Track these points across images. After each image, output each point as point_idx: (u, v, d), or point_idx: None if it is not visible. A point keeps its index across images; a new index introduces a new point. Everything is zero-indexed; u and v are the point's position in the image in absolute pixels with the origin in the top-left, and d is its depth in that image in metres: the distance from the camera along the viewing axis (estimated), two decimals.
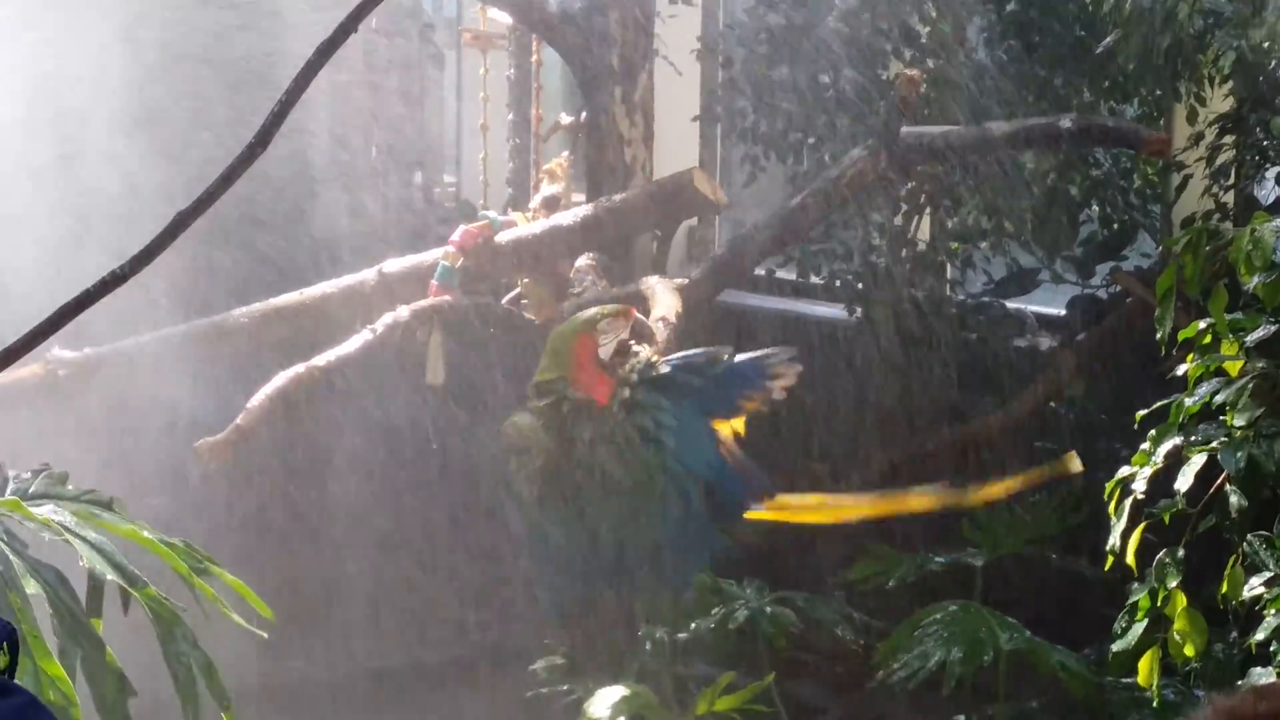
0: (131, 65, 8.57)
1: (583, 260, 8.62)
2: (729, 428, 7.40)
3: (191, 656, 3.75)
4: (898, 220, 9.46)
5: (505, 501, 7.82)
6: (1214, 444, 5.71)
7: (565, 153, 9.65)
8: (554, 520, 7.49)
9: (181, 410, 8.47)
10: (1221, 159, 8.38)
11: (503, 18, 10.47)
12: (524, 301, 8.89)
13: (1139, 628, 5.81)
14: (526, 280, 8.80)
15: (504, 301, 8.91)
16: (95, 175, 8.40)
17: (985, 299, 9.63)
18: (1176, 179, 8.84)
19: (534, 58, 10.88)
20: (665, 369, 7.32)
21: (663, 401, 7.27)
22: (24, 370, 7.97)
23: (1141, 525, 5.73)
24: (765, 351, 7.55)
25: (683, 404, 7.33)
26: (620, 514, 7.40)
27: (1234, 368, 5.90)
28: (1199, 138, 8.43)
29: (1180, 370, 6.01)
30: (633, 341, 7.49)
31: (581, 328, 7.45)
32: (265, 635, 4.03)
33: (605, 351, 7.44)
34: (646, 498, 7.35)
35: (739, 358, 7.47)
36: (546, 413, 7.37)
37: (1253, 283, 5.73)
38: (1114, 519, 5.80)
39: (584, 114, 8.81)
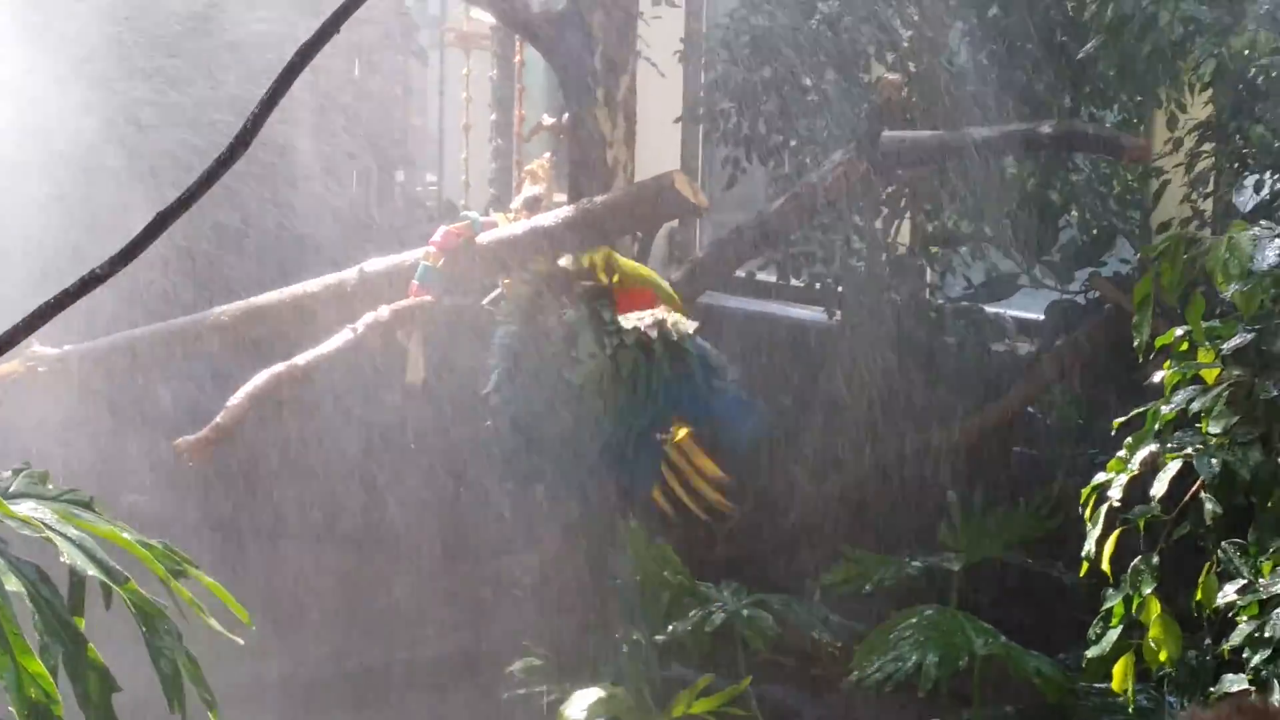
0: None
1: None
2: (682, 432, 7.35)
3: (175, 652, 3.75)
4: (878, 224, 9.49)
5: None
6: (1189, 451, 5.74)
7: (547, 153, 9.65)
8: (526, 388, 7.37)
9: (161, 408, 8.46)
10: (1201, 166, 8.40)
11: (486, 18, 10.47)
12: (504, 302, 8.89)
13: (1114, 634, 5.83)
14: (508, 280, 8.80)
15: (484, 302, 8.91)
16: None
17: (964, 303, 9.65)
18: (1156, 185, 8.87)
19: (517, 58, 10.89)
20: (693, 342, 7.25)
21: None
22: (3, 368, 7.96)
23: (1117, 532, 5.76)
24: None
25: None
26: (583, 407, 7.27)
27: (1210, 375, 5.93)
28: (1179, 144, 8.46)
29: (1157, 377, 6.03)
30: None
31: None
32: (242, 642, 4.03)
33: None
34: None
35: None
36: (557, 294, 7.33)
37: (1229, 291, 5.75)
38: (1089, 525, 5.82)
39: (566, 115, 8.80)
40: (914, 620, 7.99)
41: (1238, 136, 8.20)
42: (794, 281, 9.74)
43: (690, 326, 7.27)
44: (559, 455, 7.36)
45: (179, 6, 9.86)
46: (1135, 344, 6.02)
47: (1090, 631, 5.93)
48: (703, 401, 7.29)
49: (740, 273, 9.53)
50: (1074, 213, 9.41)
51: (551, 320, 7.36)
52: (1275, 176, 8.22)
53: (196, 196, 2.60)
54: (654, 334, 7.20)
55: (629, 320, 7.25)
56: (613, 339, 7.22)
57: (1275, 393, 5.78)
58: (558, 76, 8.60)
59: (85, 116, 8.32)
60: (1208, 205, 8.48)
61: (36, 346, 8.09)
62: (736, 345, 9.47)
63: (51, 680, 3.50)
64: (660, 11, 9.43)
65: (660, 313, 7.28)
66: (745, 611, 8.34)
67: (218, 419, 7.59)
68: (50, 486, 3.99)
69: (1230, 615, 5.59)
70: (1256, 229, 5.85)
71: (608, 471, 7.45)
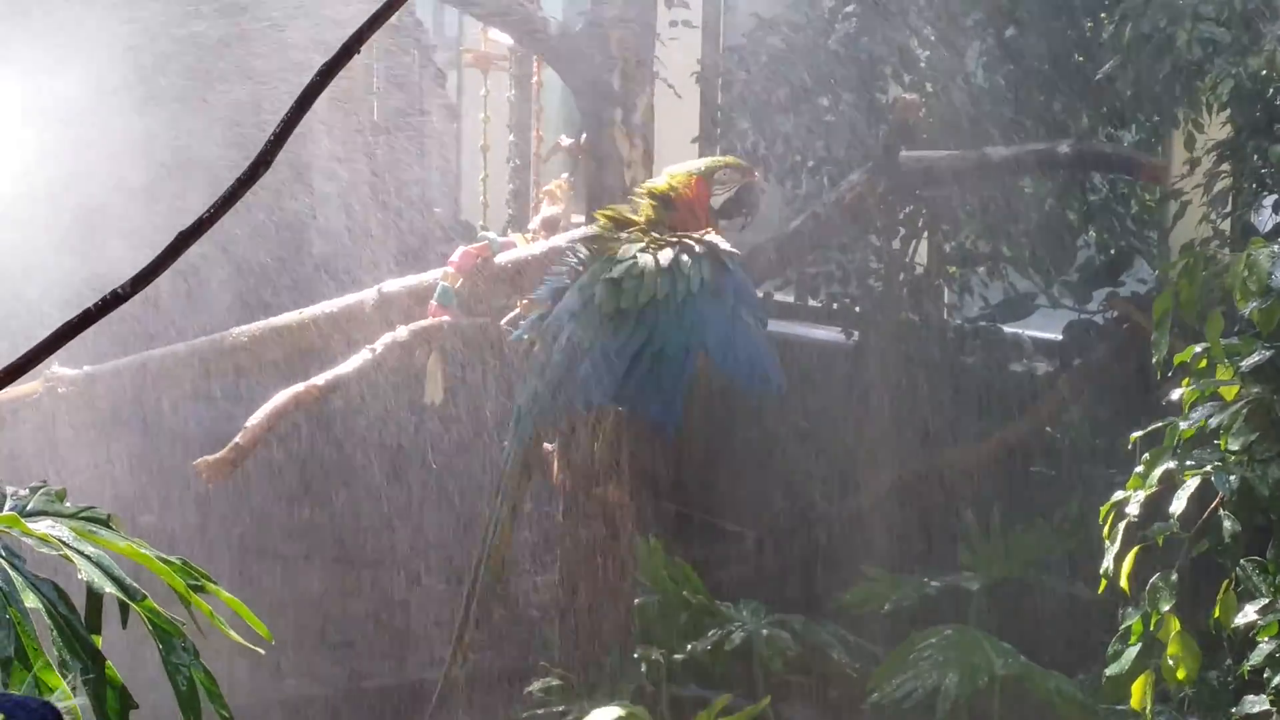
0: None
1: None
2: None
3: (192, 668, 3.75)
4: (896, 244, 9.49)
5: None
6: (1208, 468, 5.73)
7: (565, 174, 9.67)
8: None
9: (181, 428, 8.48)
10: (1219, 186, 8.39)
11: (504, 39, 10.49)
12: (522, 321, 8.90)
13: (1132, 652, 5.83)
14: (525, 301, 8.82)
15: (502, 323, 8.92)
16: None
17: (982, 323, 9.65)
18: (1174, 205, 8.86)
19: (535, 79, 10.91)
20: (736, 263, 7.09)
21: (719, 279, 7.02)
22: (24, 387, 7.98)
23: (1135, 549, 5.75)
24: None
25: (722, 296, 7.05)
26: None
27: (1229, 393, 5.92)
28: (1196, 164, 8.46)
29: (1176, 395, 6.02)
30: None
31: (701, 172, 7.28)
32: (262, 652, 4.03)
33: (716, 201, 7.32)
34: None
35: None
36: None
37: (1248, 308, 5.75)
38: (1108, 542, 5.81)
39: (584, 136, 8.82)
40: (933, 640, 7.99)
41: (1256, 156, 8.18)
42: (812, 301, 9.74)
43: (735, 252, 7.12)
44: (598, 375, 7.11)
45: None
46: (1154, 360, 6.02)
47: (1109, 649, 5.92)
48: (727, 328, 7.04)
49: (758, 293, 9.52)
50: (1092, 233, 9.40)
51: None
52: None
53: (217, 216, 2.60)
54: (698, 244, 7.04)
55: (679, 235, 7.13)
56: (656, 245, 7.05)
57: None
58: (575, 97, 8.62)
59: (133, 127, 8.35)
60: (1226, 225, 8.47)
61: (57, 366, 8.12)
62: None
63: (71, 696, 3.51)
64: (677, 32, 9.44)
65: (710, 233, 7.13)
66: (764, 631, 8.35)
67: (237, 439, 7.61)
68: (67, 504, 4.00)
69: (1250, 634, 5.58)
70: (1275, 246, 5.85)
71: (637, 398, 7.14)
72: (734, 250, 7.04)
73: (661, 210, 7.19)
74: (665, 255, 6.94)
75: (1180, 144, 8.51)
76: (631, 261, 6.96)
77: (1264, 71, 7.84)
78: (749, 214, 7.41)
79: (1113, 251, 9.36)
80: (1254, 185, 8.33)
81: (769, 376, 7.00)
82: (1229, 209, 8.39)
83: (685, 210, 7.21)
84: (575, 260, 7.29)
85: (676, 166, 7.42)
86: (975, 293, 9.78)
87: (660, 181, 7.29)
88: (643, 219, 7.21)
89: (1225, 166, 8.35)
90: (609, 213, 7.35)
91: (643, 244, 7.04)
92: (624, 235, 7.19)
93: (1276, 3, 7.87)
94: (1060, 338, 9.51)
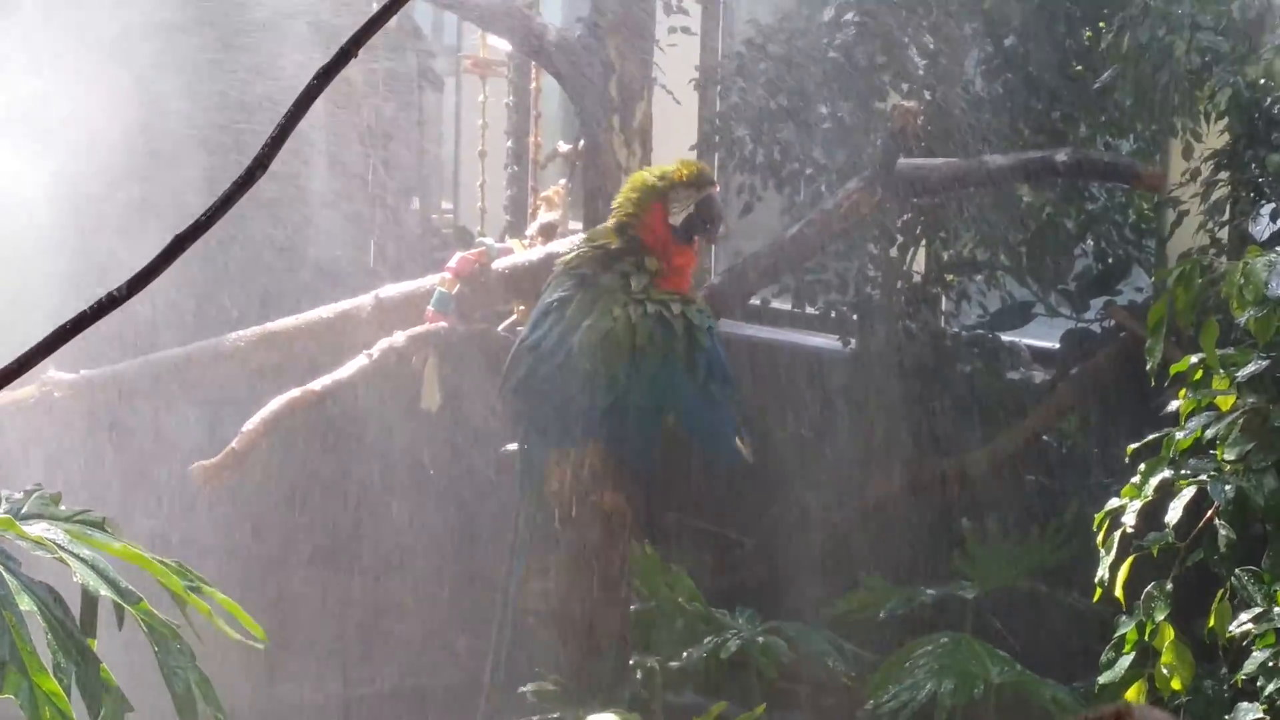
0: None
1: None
2: None
3: (188, 670, 3.75)
4: (893, 252, 9.48)
5: None
6: (1203, 477, 5.73)
7: (563, 180, 9.67)
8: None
9: (176, 433, 8.48)
10: (1217, 195, 8.39)
11: (502, 45, 10.50)
12: (519, 328, 8.91)
13: (1126, 660, 5.83)
14: (523, 307, 8.82)
15: (500, 328, 8.93)
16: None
17: (979, 331, 9.64)
18: (1171, 214, 8.86)
19: (533, 85, 10.91)
20: (711, 338, 7.24)
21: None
22: (19, 391, 7.98)
23: (1130, 558, 5.75)
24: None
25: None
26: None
27: (1225, 402, 5.92)
28: (1195, 173, 8.46)
29: (1173, 406, 6.02)
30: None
31: (653, 192, 7.31)
32: (260, 647, 4.04)
33: (677, 220, 7.37)
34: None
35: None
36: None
37: (1244, 317, 5.75)
38: (1103, 551, 5.81)
39: (582, 142, 8.82)
40: (929, 648, 7.98)
41: (1254, 165, 8.19)
42: (809, 309, 9.73)
43: (713, 322, 7.25)
44: (564, 412, 7.33)
45: None
46: (1148, 368, 6.02)
47: (1103, 657, 5.92)
48: (696, 400, 7.27)
49: (755, 300, 9.53)
50: (1089, 241, 9.40)
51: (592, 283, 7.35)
52: None
53: (214, 220, 2.59)
54: (677, 310, 7.17)
55: (659, 294, 7.23)
56: (636, 307, 7.19)
57: None
58: (574, 103, 8.62)
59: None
60: (1224, 234, 8.47)
61: (52, 371, 8.12)
62: (750, 373, 9.47)
63: (66, 699, 3.51)
64: (676, 39, 9.44)
65: (691, 297, 7.25)
66: (760, 639, 8.34)
67: (233, 444, 7.62)
68: (62, 507, 4.00)
69: (1245, 643, 5.58)
70: (1272, 255, 5.85)
71: (609, 441, 7.43)
72: (710, 318, 7.15)
73: (629, 239, 7.29)
74: (642, 323, 7.07)
75: (1178, 153, 8.52)
76: (609, 322, 7.13)
77: (1262, 80, 7.85)
78: (711, 227, 7.41)
79: (1110, 260, 9.36)
80: (1251, 194, 8.33)
81: (733, 449, 7.27)
82: (1227, 218, 8.39)
83: (649, 236, 7.30)
84: (560, 293, 7.39)
85: (636, 178, 7.47)
86: (973, 301, 9.77)
87: (618, 206, 7.38)
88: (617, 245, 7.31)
89: (1223, 175, 8.35)
90: (597, 241, 7.43)
91: (622, 301, 7.15)
92: (604, 280, 7.29)
93: (1275, 12, 7.88)
94: (1058, 346, 9.51)
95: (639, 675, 8.09)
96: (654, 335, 7.14)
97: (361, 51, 2.62)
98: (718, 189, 7.43)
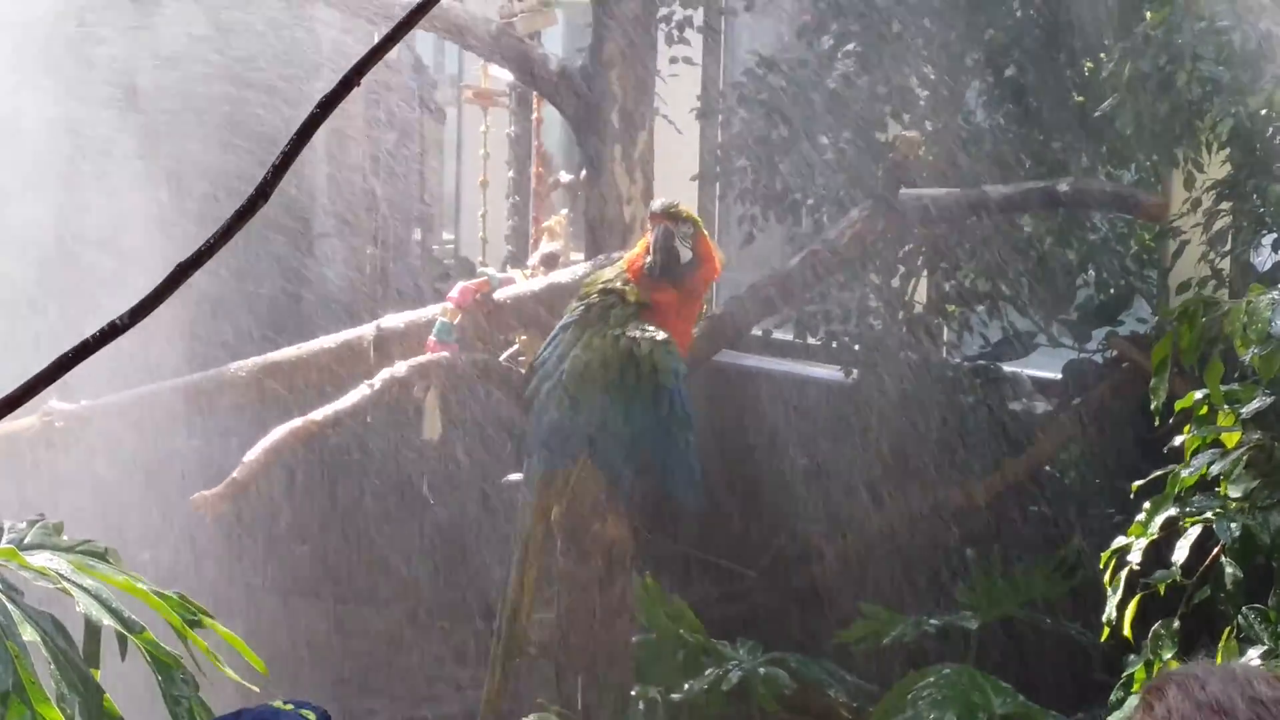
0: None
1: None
2: None
3: (191, 701, 3.74)
4: (895, 282, 9.48)
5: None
6: (1209, 515, 5.70)
7: (565, 210, 9.67)
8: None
9: (178, 463, 8.46)
10: (1218, 225, 8.40)
11: (504, 75, 10.51)
12: (521, 358, 8.90)
13: (1135, 699, 5.79)
14: (524, 337, 8.81)
15: (501, 358, 8.92)
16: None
17: (981, 362, 9.64)
18: (1173, 244, 8.86)
19: (535, 115, 10.92)
20: (674, 379, 7.29)
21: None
22: (20, 421, 7.96)
23: (1138, 597, 5.72)
24: None
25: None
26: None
27: (1230, 439, 5.90)
28: (1196, 204, 8.46)
29: (1177, 441, 6.00)
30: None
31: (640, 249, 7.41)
32: (257, 690, 4.02)
33: (647, 264, 7.34)
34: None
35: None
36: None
37: (1249, 355, 5.73)
38: (1110, 590, 5.78)
39: (584, 172, 8.82)
40: (931, 679, 7.96)
41: (1255, 196, 8.19)
42: (810, 340, 9.73)
43: (681, 365, 7.29)
44: (556, 433, 7.43)
45: None
46: (1153, 407, 6.00)
47: (1112, 696, 5.88)
48: (662, 437, 7.33)
49: (757, 331, 9.52)
50: (1091, 271, 9.40)
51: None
52: None
53: (216, 248, 2.59)
54: (645, 349, 7.21)
55: (640, 329, 7.27)
56: (614, 341, 7.27)
57: None
58: (575, 133, 8.62)
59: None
60: (1225, 264, 8.47)
61: (54, 401, 8.10)
62: (752, 404, 9.47)
63: None
64: (678, 69, 9.46)
65: (662, 335, 7.26)
66: (761, 669, 8.32)
67: (234, 474, 7.60)
68: (65, 538, 3.99)
69: None
70: (1275, 293, 5.83)
71: (599, 460, 7.51)
72: (679, 361, 7.18)
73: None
74: (613, 357, 7.12)
75: (1180, 183, 8.52)
76: (590, 353, 7.30)
77: (1263, 111, 7.86)
78: (669, 262, 7.33)
79: (1112, 290, 9.36)
80: (1253, 224, 8.34)
81: (690, 493, 7.38)
82: (1228, 248, 8.40)
83: (631, 271, 7.36)
84: (568, 316, 7.47)
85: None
86: (974, 331, 9.77)
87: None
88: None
89: (1225, 205, 8.36)
90: (601, 282, 7.46)
91: (603, 333, 7.30)
92: (595, 309, 7.43)
93: (1275, 43, 7.88)
94: (1059, 377, 9.51)
95: (640, 706, 8.06)
96: (624, 370, 7.24)
97: (363, 81, 2.62)
98: (669, 225, 7.33)
